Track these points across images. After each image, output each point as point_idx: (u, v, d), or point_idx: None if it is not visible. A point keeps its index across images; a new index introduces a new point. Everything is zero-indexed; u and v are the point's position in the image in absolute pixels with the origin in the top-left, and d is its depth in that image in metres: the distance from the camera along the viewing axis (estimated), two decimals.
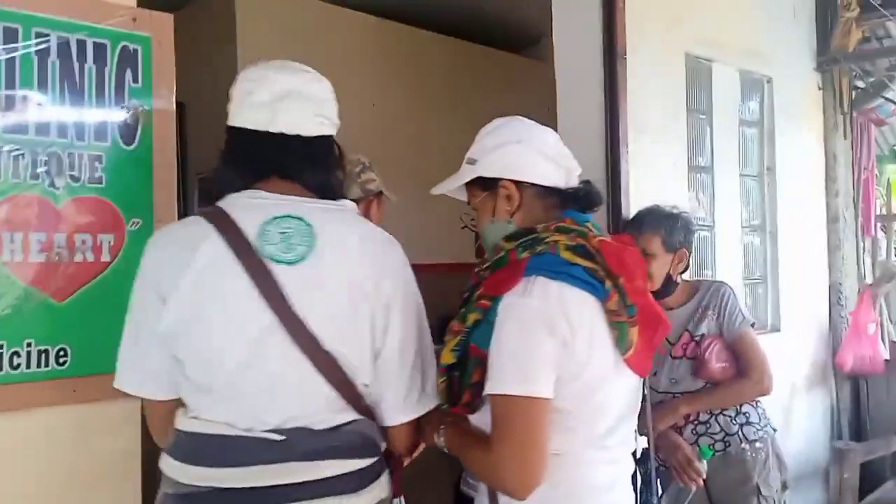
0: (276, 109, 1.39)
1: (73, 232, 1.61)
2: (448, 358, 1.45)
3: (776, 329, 3.80)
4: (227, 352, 1.31)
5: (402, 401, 1.43)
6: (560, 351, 1.34)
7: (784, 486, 2.50)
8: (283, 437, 1.32)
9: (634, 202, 2.62)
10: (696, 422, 2.46)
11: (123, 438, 1.68)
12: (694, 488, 2.37)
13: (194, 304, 1.31)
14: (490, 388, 1.35)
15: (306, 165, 1.42)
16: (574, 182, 1.55)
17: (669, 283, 2.50)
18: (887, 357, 4.07)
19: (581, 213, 1.50)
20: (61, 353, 1.57)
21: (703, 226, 3.36)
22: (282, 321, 1.31)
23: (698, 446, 2.41)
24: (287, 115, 1.39)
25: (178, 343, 1.33)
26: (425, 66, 3.94)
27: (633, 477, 1.55)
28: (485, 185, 1.54)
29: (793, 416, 3.73)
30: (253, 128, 1.39)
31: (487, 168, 1.52)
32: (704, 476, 2.36)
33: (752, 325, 2.52)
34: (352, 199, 2.12)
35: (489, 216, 1.55)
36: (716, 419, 2.46)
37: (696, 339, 2.47)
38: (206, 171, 3.37)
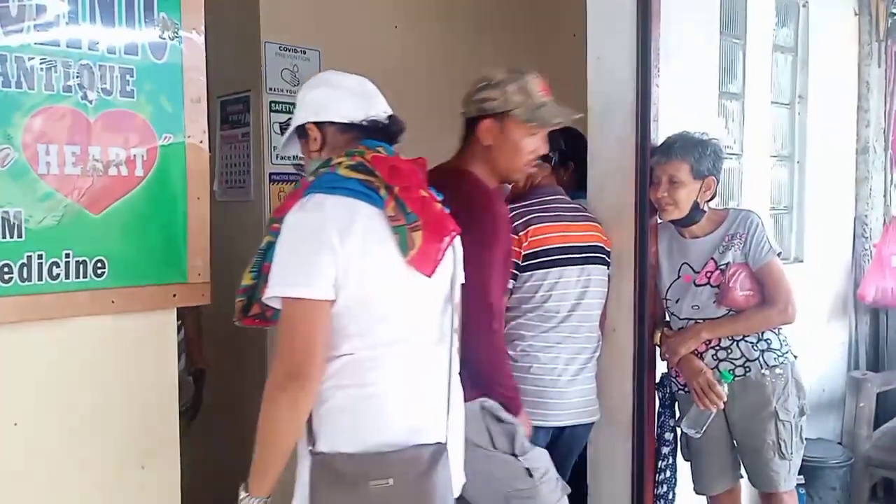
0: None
1: (106, 145, 1.62)
2: (247, 279, 1.61)
3: (799, 260, 3.79)
4: None
5: None
6: (332, 258, 1.45)
7: (802, 412, 2.53)
8: None
9: (663, 128, 2.58)
10: (717, 347, 2.48)
11: (159, 348, 1.73)
12: (714, 411, 2.41)
13: None
14: (268, 292, 1.46)
15: None
16: (379, 117, 1.66)
17: (696, 211, 2.48)
18: None
19: (379, 142, 1.62)
20: (99, 264, 1.60)
21: (731, 154, 3.31)
22: None
23: (718, 371, 2.44)
24: None
25: None
26: None
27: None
28: (301, 134, 1.69)
29: (811, 347, 3.74)
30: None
31: (298, 118, 1.67)
32: (725, 399, 2.40)
33: (779, 255, 2.51)
34: (469, 118, 2.09)
35: (308, 159, 1.69)
36: (737, 345, 2.48)
37: (721, 267, 2.46)
38: (228, 93, 3.38)
